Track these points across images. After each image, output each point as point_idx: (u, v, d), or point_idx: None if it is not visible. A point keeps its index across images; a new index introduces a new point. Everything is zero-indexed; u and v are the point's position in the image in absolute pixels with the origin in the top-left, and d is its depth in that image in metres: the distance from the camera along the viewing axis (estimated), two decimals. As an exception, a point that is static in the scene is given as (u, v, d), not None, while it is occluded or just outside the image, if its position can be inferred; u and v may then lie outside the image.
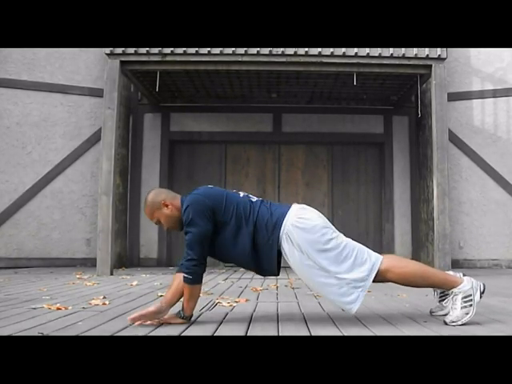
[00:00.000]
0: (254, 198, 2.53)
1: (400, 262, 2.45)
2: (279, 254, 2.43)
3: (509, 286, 4.67)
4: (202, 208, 2.36)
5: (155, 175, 8.27)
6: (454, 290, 2.38)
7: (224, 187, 7.43)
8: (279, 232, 2.37)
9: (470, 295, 2.35)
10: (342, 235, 2.45)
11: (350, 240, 2.43)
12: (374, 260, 2.36)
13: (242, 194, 2.55)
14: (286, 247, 2.38)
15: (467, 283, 2.38)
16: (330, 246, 2.35)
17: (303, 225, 2.37)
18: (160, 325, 2.36)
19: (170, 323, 2.38)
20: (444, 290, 2.51)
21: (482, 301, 2.81)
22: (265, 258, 2.40)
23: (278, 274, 2.49)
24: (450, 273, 2.51)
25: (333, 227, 2.46)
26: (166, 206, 2.46)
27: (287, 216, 2.40)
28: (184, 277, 2.35)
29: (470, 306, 2.35)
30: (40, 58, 7.95)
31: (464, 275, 2.48)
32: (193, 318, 2.48)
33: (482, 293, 2.40)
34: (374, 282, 2.38)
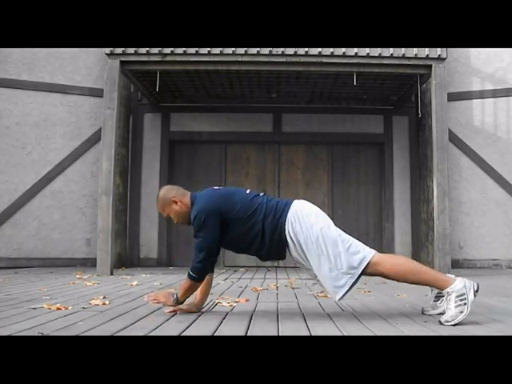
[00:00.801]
0: (261, 194, 2.73)
1: (392, 258, 2.60)
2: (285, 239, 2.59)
3: (509, 286, 4.67)
4: (211, 213, 2.56)
5: (155, 175, 8.26)
6: (447, 289, 2.41)
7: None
8: (285, 217, 2.55)
9: (464, 294, 2.38)
10: (339, 229, 2.60)
11: (346, 234, 2.59)
12: (366, 252, 2.50)
13: (248, 190, 2.74)
14: (290, 229, 2.54)
15: (459, 283, 2.42)
16: (328, 232, 2.51)
17: (307, 210, 2.60)
18: (161, 324, 2.36)
19: (180, 310, 2.67)
20: (437, 289, 2.55)
21: (482, 301, 2.82)
22: (275, 243, 2.57)
23: (285, 258, 2.69)
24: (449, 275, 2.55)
25: (331, 222, 2.62)
26: (176, 202, 2.69)
27: (293, 203, 2.63)
28: (190, 275, 2.60)
29: (465, 304, 2.37)
30: (40, 58, 7.95)
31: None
32: (193, 318, 2.49)
33: (475, 291, 2.42)
34: (365, 274, 2.50)
